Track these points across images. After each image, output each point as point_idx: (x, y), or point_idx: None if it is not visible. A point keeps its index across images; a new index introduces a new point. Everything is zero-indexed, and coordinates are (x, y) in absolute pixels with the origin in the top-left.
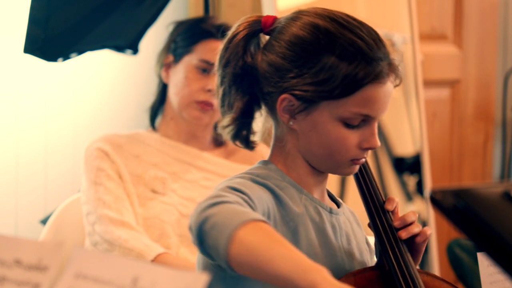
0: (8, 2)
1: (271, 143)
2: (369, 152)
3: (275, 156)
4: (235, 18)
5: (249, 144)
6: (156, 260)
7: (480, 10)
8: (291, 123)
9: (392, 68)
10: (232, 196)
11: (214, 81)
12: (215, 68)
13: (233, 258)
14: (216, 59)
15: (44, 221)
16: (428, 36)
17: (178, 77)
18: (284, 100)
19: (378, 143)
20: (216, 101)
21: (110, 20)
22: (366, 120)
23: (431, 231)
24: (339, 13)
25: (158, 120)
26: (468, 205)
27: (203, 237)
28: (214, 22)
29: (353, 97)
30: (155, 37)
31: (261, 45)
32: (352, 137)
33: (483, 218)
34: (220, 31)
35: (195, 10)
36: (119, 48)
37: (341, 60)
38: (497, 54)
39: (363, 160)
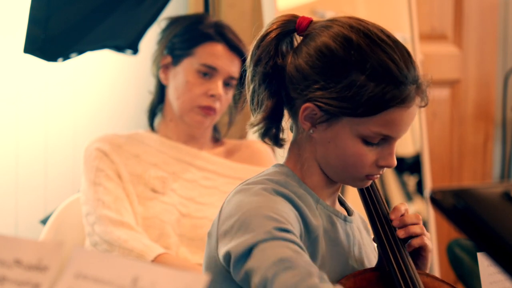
0: (8, 2)
1: (289, 146)
2: (385, 169)
3: (291, 161)
4: (235, 18)
5: (278, 142)
6: (156, 260)
7: (480, 10)
8: (311, 131)
9: (420, 91)
10: (304, 260)
11: (217, 85)
12: (246, 64)
13: None
14: (215, 63)
15: (44, 221)
16: (428, 36)
17: (179, 80)
18: (307, 108)
19: (395, 162)
20: (218, 105)
21: (110, 20)
22: (386, 139)
23: (430, 241)
24: (374, 27)
25: (157, 121)
26: (468, 205)
27: None
28: (211, 21)
29: (376, 117)
30: (155, 37)
31: (294, 45)
32: (370, 154)
33: (483, 218)
34: (219, 33)
35: (195, 10)
36: (119, 48)
37: (369, 80)
38: (497, 54)
39: (378, 176)
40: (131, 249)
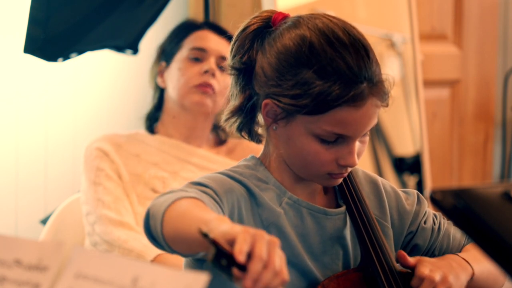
0: (8, 2)
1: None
2: (349, 169)
3: (264, 154)
4: (235, 18)
5: (253, 136)
6: (156, 260)
7: (480, 10)
8: (274, 127)
9: (375, 91)
10: (189, 190)
11: (209, 61)
12: (226, 57)
13: (166, 237)
14: (203, 44)
15: (44, 221)
16: (428, 36)
17: (173, 73)
18: (267, 105)
19: (356, 161)
20: (214, 82)
21: (110, 20)
22: (344, 138)
23: None
24: (337, 26)
25: (156, 125)
26: (468, 205)
27: (146, 230)
28: (198, 21)
29: (326, 116)
30: (155, 37)
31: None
32: (327, 153)
33: (483, 218)
34: (205, 23)
35: (195, 10)
36: (119, 48)
37: (317, 77)
38: (497, 54)
39: (343, 174)
40: (131, 249)
